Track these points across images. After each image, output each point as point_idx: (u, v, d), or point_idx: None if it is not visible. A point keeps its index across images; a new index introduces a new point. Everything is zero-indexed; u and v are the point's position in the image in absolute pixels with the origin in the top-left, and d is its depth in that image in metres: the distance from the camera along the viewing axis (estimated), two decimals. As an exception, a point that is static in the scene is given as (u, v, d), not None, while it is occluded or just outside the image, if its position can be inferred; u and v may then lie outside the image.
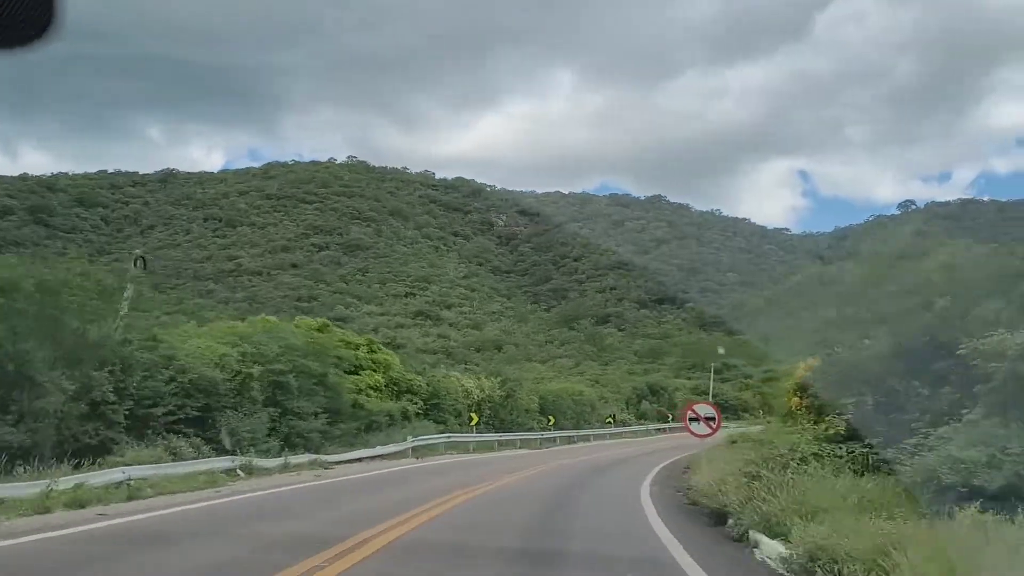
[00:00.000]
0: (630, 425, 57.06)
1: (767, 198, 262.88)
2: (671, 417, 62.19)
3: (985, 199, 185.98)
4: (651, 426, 58.63)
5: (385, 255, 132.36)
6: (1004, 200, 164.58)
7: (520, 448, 38.93)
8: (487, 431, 39.04)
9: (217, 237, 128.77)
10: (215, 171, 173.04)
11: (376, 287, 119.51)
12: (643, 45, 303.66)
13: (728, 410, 50.22)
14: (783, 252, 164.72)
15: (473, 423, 37.40)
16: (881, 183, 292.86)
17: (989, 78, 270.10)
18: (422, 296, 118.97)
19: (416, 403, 34.02)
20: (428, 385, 36.14)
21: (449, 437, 33.79)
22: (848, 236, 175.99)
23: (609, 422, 53.25)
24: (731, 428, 29.13)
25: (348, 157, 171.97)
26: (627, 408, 60.13)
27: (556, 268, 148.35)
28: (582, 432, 48.23)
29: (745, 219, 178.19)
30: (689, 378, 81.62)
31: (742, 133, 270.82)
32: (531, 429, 43.38)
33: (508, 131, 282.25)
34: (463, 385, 39.73)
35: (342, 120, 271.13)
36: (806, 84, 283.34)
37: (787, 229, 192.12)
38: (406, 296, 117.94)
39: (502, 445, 38.16)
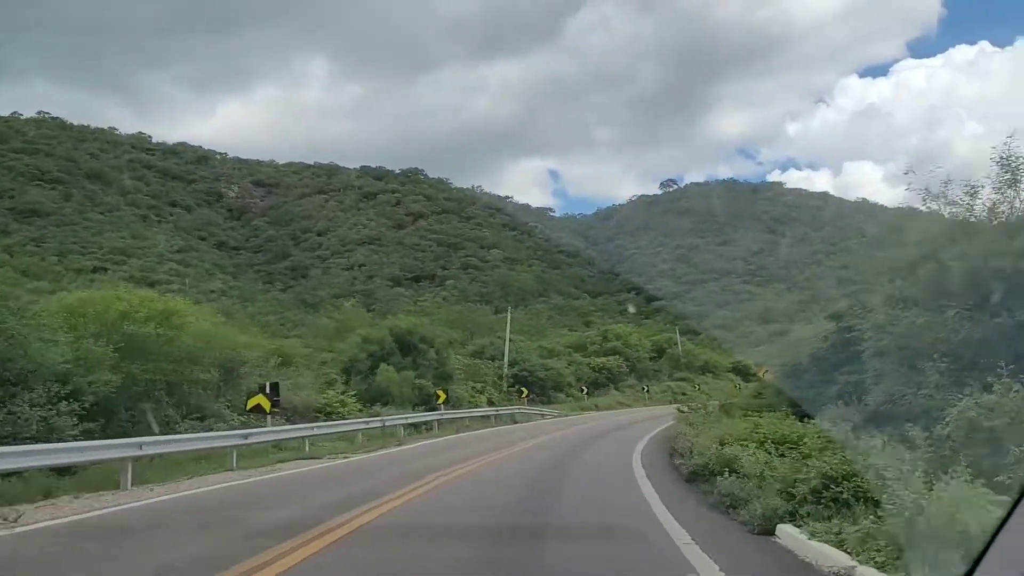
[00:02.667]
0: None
1: (523, 193, 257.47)
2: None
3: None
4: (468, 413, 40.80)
5: (72, 223, 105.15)
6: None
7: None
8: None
9: None
10: None
11: (53, 260, 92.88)
12: (402, 37, 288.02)
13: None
14: (549, 230, 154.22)
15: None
16: (623, 184, 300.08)
17: (716, 90, 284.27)
18: (117, 271, 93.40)
19: None
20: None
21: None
22: (612, 216, 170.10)
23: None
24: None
25: (39, 112, 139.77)
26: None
27: (296, 244, 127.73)
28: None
29: (508, 197, 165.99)
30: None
31: (499, 130, 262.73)
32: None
33: (257, 118, 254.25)
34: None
35: (64, 96, 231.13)
36: (557, 86, 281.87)
37: (551, 209, 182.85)
38: (94, 271, 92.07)
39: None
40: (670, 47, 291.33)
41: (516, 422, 40.47)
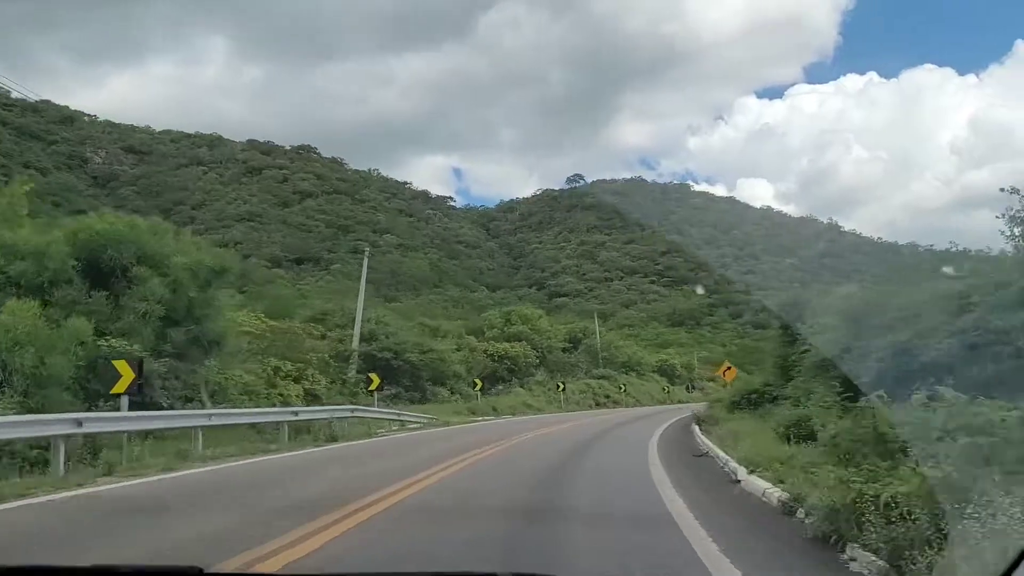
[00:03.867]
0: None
1: (425, 187, 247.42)
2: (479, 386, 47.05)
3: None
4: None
5: None
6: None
7: None
8: None
9: None
10: None
11: None
12: (308, 23, 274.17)
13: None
14: (447, 219, 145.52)
15: None
16: (527, 187, 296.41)
17: (622, 99, 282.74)
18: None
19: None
20: None
21: None
22: (516, 209, 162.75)
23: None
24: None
25: None
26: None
27: (166, 216, 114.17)
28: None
29: (407, 183, 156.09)
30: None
31: (404, 124, 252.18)
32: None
33: (149, 92, 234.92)
34: None
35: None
36: (466, 83, 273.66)
37: (451, 198, 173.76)
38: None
39: None
40: (579, 52, 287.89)
41: (334, 440, 20.69)
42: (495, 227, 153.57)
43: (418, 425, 30.24)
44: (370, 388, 32.11)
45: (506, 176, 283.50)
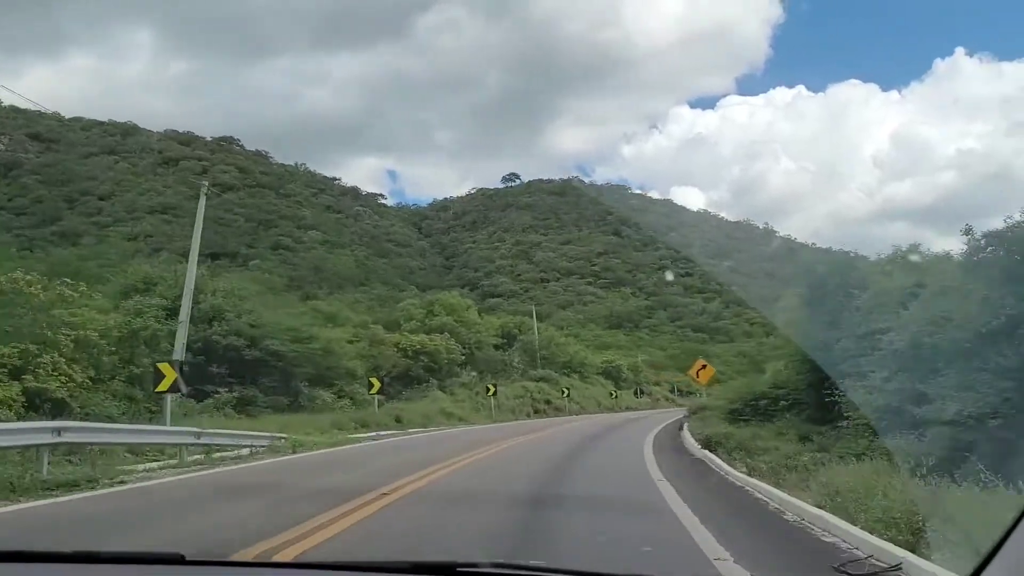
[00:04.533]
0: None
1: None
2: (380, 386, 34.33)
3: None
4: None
5: None
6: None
7: None
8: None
9: None
10: None
11: None
12: (238, 19, 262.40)
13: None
14: (378, 217, 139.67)
15: None
16: (462, 190, 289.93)
17: (558, 104, 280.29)
18: None
19: None
20: None
21: None
22: (449, 208, 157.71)
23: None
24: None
25: None
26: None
27: (71, 207, 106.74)
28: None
29: (336, 179, 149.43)
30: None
31: (337, 124, 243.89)
32: None
33: (70, 87, 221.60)
34: None
35: None
36: (402, 84, 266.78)
37: (382, 195, 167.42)
38: None
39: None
40: (517, 56, 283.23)
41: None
42: (427, 226, 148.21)
43: (242, 452, 19.09)
44: (157, 388, 18.80)
45: (442, 179, 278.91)
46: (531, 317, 67.94)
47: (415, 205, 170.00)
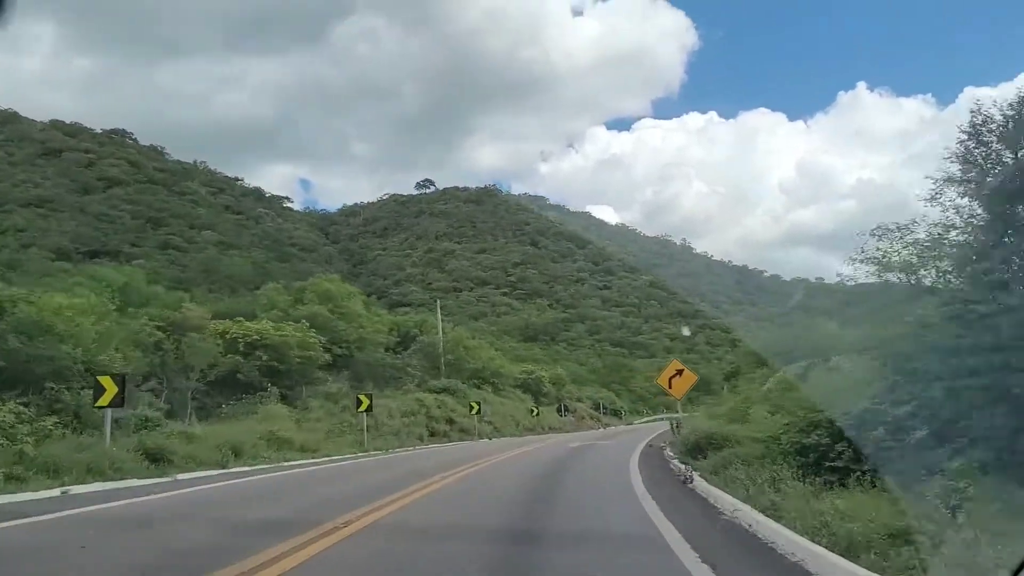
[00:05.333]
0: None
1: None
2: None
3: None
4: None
5: None
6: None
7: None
8: None
9: None
10: None
11: None
12: (148, 17, 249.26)
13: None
14: (281, 220, 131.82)
15: None
16: (375, 198, 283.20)
17: (477, 120, 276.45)
18: None
19: None
20: None
21: None
22: (360, 213, 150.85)
23: None
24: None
25: None
26: None
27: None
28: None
29: (239, 179, 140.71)
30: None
31: (249, 129, 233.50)
32: None
33: None
34: None
35: None
36: (318, 93, 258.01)
37: (288, 198, 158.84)
38: None
39: None
40: (436, 69, 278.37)
41: None
42: (336, 232, 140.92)
43: None
44: (97, 403, 16.00)
45: (357, 190, 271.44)
46: (434, 314, 57.31)
47: (323, 210, 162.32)
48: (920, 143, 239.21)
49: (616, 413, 67.66)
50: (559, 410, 61.19)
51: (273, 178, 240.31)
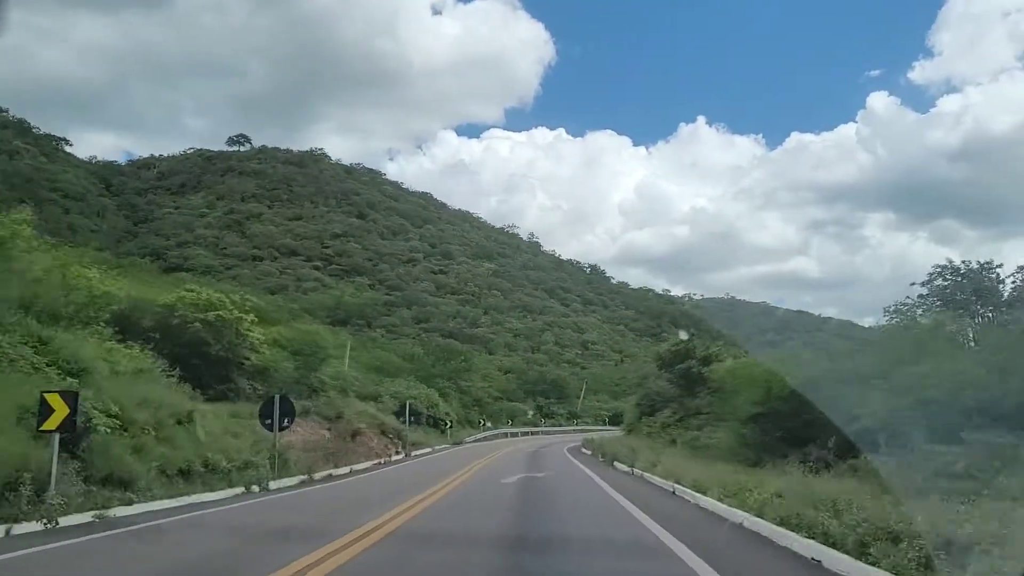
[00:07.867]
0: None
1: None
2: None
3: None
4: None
5: None
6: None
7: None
8: None
9: None
10: None
11: None
12: None
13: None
14: (46, 159, 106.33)
15: None
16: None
17: (324, 108, 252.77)
18: None
19: None
20: None
21: None
22: (155, 166, 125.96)
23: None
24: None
25: None
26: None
27: None
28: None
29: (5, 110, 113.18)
30: None
31: (68, 93, 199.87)
32: None
33: None
34: None
35: None
36: (150, 60, 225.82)
37: (66, 140, 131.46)
38: None
39: None
40: (284, 50, 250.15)
41: None
42: (121, 183, 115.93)
43: None
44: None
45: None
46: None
47: (113, 162, 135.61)
48: (749, 179, 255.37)
49: (437, 423, 47.72)
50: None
51: (96, 148, 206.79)
